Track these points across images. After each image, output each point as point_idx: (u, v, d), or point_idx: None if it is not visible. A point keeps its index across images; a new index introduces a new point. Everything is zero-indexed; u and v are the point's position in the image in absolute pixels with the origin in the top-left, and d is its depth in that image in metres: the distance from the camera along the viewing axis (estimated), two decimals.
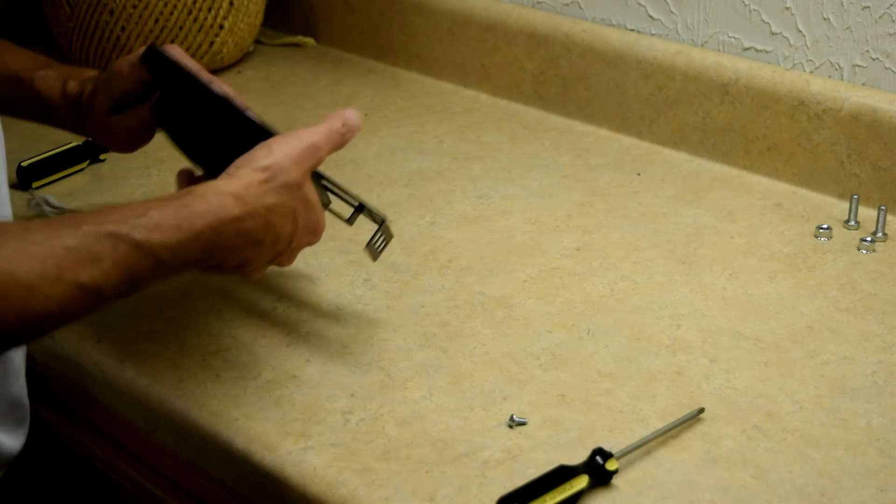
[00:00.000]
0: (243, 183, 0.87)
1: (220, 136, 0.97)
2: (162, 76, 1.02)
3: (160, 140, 1.09)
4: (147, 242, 0.80)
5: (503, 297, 1.07)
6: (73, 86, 1.07)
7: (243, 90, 1.15)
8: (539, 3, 1.47)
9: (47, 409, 1.09)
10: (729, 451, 0.88)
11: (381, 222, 1.00)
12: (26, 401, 0.98)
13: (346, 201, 1.01)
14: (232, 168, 0.89)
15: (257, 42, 1.68)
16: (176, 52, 1.02)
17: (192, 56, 1.52)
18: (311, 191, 0.91)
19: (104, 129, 1.06)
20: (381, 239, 1.01)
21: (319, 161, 0.92)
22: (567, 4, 1.45)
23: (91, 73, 1.08)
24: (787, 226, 1.19)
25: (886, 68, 1.22)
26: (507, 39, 1.47)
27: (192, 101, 0.99)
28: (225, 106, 0.97)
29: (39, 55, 1.13)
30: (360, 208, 1.01)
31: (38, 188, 1.26)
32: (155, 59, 1.03)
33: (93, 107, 1.05)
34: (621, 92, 1.38)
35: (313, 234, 0.93)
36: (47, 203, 1.21)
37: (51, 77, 1.08)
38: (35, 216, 1.21)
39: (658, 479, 0.85)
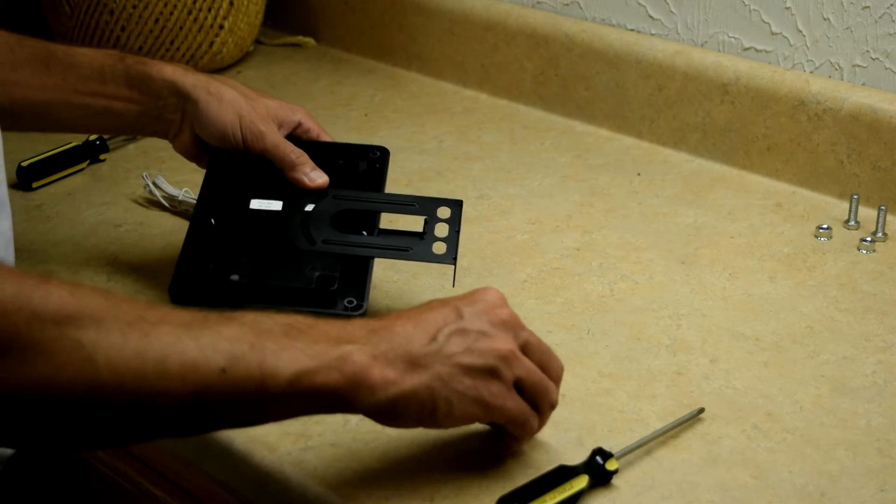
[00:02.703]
0: None
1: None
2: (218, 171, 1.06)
3: (161, 141, 1.09)
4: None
5: None
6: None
7: None
8: (539, 3, 1.47)
9: None
10: (729, 451, 0.88)
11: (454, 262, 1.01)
12: None
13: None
14: None
15: (257, 42, 1.68)
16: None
17: (192, 56, 1.53)
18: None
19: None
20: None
21: None
22: (567, 4, 1.45)
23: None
24: (787, 226, 1.19)
25: (886, 68, 1.22)
26: (507, 39, 1.47)
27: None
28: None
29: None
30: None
31: (38, 188, 1.26)
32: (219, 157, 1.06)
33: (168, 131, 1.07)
34: (621, 92, 1.38)
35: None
36: (157, 186, 1.22)
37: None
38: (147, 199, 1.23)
39: (658, 479, 0.85)
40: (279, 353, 0.73)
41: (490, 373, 0.79)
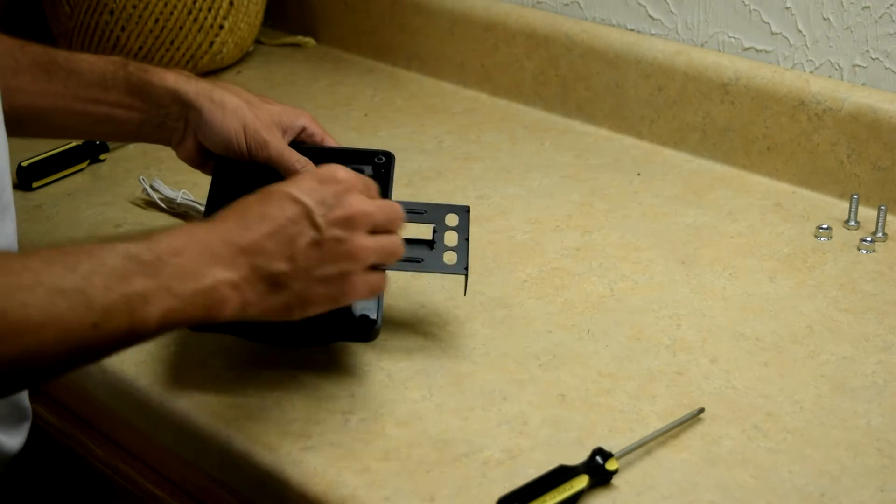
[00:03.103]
0: None
1: None
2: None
3: None
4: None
5: (503, 297, 1.07)
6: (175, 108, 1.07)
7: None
8: (539, 3, 1.47)
9: (47, 409, 1.09)
10: (729, 451, 0.88)
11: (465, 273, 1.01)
12: (27, 401, 0.98)
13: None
14: None
15: (257, 42, 1.68)
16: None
17: (192, 56, 1.53)
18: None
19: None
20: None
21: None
22: (567, 4, 1.45)
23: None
24: (787, 226, 1.19)
25: (886, 68, 1.22)
26: (507, 39, 1.47)
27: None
28: None
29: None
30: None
31: (38, 188, 1.26)
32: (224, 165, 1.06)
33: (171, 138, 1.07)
34: (621, 92, 1.38)
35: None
36: (154, 189, 1.22)
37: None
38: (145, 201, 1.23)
39: (658, 479, 0.85)
40: (147, 297, 0.76)
41: (342, 276, 0.85)
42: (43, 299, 0.73)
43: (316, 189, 0.85)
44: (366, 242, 0.85)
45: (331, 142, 1.07)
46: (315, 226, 0.83)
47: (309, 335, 0.96)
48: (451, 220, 1.02)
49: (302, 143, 1.06)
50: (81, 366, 0.78)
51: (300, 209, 0.83)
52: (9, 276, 0.73)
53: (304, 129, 1.06)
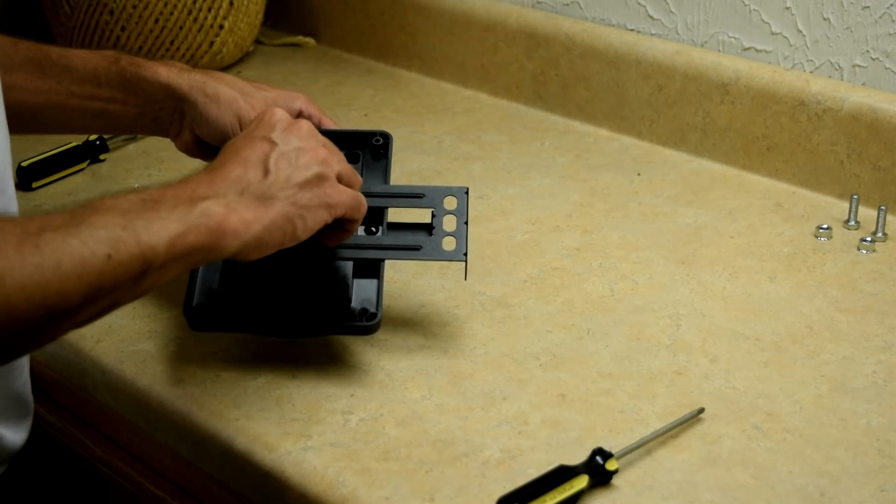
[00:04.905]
0: None
1: None
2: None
3: (161, 140, 1.09)
4: None
5: (503, 297, 1.07)
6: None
7: None
8: (539, 3, 1.47)
9: (47, 410, 1.09)
10: (729, 451, 0.88)
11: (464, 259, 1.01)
12: (30, 396, 0.98)
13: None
14: None
15: (257, 42, 1.68)
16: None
17: (192, 56, 1.53)
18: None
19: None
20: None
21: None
22: (567, 4, 1.45)
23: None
24: (787, 226, 1.19)
25: (886, 68, 1.22)
26: (507, 39, 1.47)
27: None
28: None
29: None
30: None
31: (38, 188, 1.26)
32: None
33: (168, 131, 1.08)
34: (621, 92, 1.38)
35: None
36: None
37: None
38: None
39: (658, 479, 0.85)
40: (149, 227, 0.79)
41: (320, 178, 0.89)
42: (54, 239, 0.75)
43: (257, 124, 0.92)
44: (324, 149, 0.91)
45: (328, 123, 1.07)
46: (273, 143, 0.89)
47: (309, 327, 0.96)
48: (450, 203, 1.01)
49: None
50: (105, 309, 0.79)
51: (254, 139, 0.90)
52: (13, 225, 0.75)
53: (300, 112, 1.06)
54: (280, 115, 0.92)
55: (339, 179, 0.92)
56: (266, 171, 0.87)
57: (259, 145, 0.89)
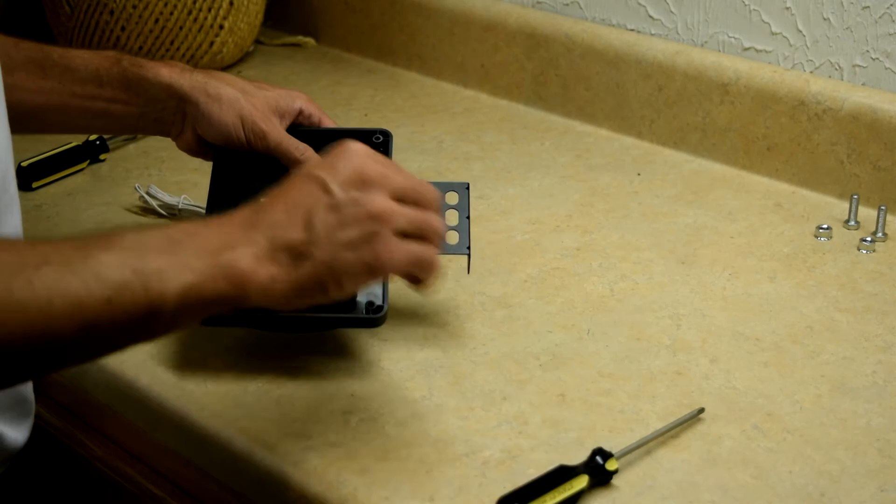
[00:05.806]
0: None
1: None
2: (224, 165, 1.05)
3: (161, 140, 1.09)
4: None
5: (503, 297, 1.07)
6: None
7: None
8: (539, 3, 1.47)
9: (47, 410, 1.09)
10: (729, 451, 0.88)
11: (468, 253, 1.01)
12: (31, 395, 0.98)
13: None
14: None
15: (257, 42, 1.68)
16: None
17: (192, 56, 1.53)
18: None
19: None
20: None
21: None
22: (567, 4, 1.45)
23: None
24: (787, 226, 1.19)
25: (886, 68, 1.22)
26: (507, 39, 1.47)
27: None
28: None
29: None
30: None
31: (38, 188, 1.26)
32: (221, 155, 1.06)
33: (170, 131, 1.07)
34: (621, 92, 1.38)
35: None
36: (152, 196, 1.21)
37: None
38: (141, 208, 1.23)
39: (658, 479, 0.85)
40: (162, 273, 0.74)
41: (369, 238, 0.79)
42: (50, 275, 0.71)
43: (325, 161, 0.82)
44: (388, 202, 0.81)
45: (329, 122, 1.07)
46: (327, 191, 0.80)
47: (314, 321, 0.96)
48: (452, 198, 1.02)
49: (300, 126, 1.06)
50: (105, 351, 0.76)
51: (311, 181, 0.80)
52: (14, 255, 0.72)
53: (301, 112, 1.06)
54: (351, 154, 0.82)
55: (406, 233, 0.81)
56: (308, 226, 0.79)
57: (312, 190, 0.80)
